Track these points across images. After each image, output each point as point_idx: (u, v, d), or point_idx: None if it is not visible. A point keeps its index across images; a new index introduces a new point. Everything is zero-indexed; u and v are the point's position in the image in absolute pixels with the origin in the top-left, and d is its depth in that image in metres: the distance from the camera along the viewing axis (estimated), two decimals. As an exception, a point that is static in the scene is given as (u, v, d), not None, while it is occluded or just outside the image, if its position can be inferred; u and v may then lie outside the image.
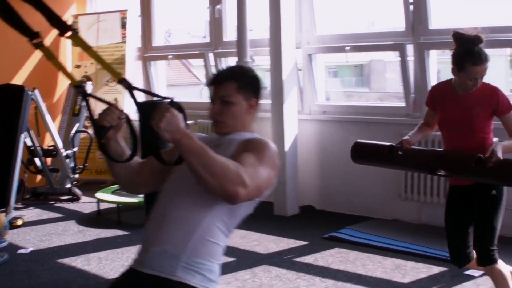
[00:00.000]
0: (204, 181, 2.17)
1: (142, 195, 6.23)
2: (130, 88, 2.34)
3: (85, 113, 8.16)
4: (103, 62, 2.46)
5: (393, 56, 9.32)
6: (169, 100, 2.26)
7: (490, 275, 3.93)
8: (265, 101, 7.10)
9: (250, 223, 6.43)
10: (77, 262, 5.41)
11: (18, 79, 8.14)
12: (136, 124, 2.47)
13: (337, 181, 6.87)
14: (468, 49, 3.68)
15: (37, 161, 7.50)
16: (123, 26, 8.69)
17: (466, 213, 3.88)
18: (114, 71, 2.44)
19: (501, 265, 3.85)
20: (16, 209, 6.61)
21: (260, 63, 7.75)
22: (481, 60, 3.66)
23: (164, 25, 9.29)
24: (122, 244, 5.85)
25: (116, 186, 7.02)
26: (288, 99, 6.68)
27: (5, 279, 5.07)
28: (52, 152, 7.77)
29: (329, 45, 6.91)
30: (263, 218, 6.56)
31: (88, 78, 8.55)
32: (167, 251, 2.35)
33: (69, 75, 2.53)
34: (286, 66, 6.63)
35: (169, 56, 8.70)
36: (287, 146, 6.70)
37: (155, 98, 4.60)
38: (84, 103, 7.77)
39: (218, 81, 2.58)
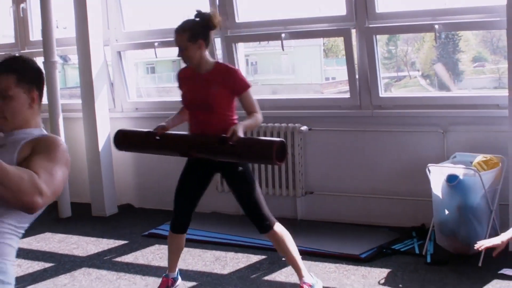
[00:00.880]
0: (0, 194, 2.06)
1: None
2: None
3: None
4: None
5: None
6: None
7: (271, 240, 4.21)
8: (76, 101, 6.97)
9: (68, 226, 6.36)
10: None
11: None
12: None
13: (153, 178, 6.87)
14: None
15: None
16: None
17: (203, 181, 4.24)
18: None
19: (277, 228, 4.13)
20: None
21: (75, 62, 7.55)
22: (178, 29, 4.01)
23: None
24: None
25: None
26: (99, 97, 6.57)
27: None
28: None
29: (138, 41, 6.87)
30: (81, 220, 6.44)
31: None
32: None
33: None
34: (95, 64, 6.51)
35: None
36: (100, 145, 6.60)
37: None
38: None
39: None
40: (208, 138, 4.00)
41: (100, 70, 6.59)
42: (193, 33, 3.97)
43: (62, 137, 6.19)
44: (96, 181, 6.67)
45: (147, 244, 5.63)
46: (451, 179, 4.74)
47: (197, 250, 5.37)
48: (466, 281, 4.39)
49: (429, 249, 4.98)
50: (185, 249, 5.38)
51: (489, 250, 3.54)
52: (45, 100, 6.81)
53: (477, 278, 4.43)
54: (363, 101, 5.79)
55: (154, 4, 7.26)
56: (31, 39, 7.58)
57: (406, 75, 6.85)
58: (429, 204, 5.05)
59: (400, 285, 4.42)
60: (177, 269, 4.56)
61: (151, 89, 8.51)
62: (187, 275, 4.84)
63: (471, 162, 4.98)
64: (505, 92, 4.93)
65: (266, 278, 4.72)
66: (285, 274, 4.74)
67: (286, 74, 8.01)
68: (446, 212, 4.82)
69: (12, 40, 7.69)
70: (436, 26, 5.29)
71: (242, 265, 5.00)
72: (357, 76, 5.77)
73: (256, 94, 4.24)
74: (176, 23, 4.06)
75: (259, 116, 4.05)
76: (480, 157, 4.96)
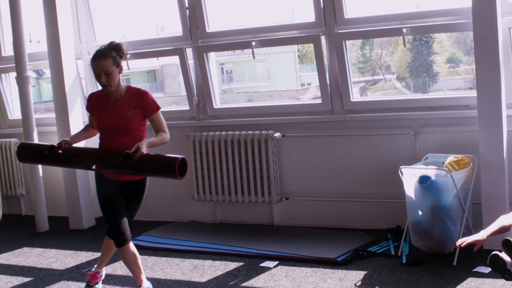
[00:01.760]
0: None
1: None
2: None
3: None
4: None
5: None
6: None
7: (124, 255, 4.36)
8: (51, 115, 6.96)
9: (46, 240, 6.35)
10: None
11: None
12: None
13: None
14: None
15: None
16: None
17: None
18: None
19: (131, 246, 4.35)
20: None
21: (49, 76, 7.53)
22: (98, 54, 4.13)
23: None
24: None
25: None
26: (73, 110, 6.55)
27: None
28: None
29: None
30: (59, 234, 6.43)
31: None
32: None
33: None
34: (68, 77, 6.51)
35: None
36: (77, 158, 6.57)
37: None
38: None
39: None
40: (113, 153, 4.14)
41: (73, 83, 6.58)
42: (115, 58, 4.14)
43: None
44: (73, 194, 6.65)
45: (125, 255, 5.62)
46: (423, 180, 4.80)
47: (175, 259, 5.38)
48: (441, 281, 4.44)
49: (404, 250, 5.04)
50: (163, 258, 5.43)
51: (466, 248, 3.62)
52: (18, 115, 6.83)
53: (452, 277, 4.49)
54: (335, 106, 5.85)
55: (126, 16, 7.28)
56: (3, 54, 7.56)
57: (381, 78, 6.92)
58: (403, 206, 5.10)
59: (377, 287, 4.46)
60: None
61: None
62: (165, 284, 4.85)
63: (443, 163, 5.05)
64: (474, 93, 5.00)
65: (244, 284, 4.75)
66: (262, 280, 4.76)
67: (262, 81, 8.05)
68: (420, 213, 4.88)
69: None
70: (404, 30, 5.37)
71: (220, 273, 5.02)
72: (328, 82, 5.83)
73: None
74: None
75: (166, 135, 4.28)
76: (451, 158, 5.03)
